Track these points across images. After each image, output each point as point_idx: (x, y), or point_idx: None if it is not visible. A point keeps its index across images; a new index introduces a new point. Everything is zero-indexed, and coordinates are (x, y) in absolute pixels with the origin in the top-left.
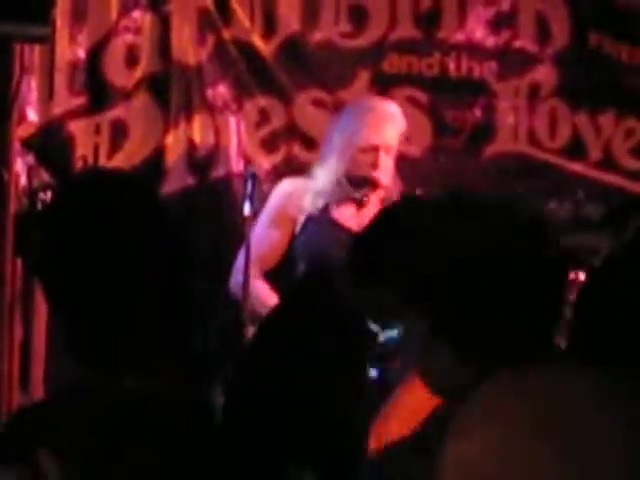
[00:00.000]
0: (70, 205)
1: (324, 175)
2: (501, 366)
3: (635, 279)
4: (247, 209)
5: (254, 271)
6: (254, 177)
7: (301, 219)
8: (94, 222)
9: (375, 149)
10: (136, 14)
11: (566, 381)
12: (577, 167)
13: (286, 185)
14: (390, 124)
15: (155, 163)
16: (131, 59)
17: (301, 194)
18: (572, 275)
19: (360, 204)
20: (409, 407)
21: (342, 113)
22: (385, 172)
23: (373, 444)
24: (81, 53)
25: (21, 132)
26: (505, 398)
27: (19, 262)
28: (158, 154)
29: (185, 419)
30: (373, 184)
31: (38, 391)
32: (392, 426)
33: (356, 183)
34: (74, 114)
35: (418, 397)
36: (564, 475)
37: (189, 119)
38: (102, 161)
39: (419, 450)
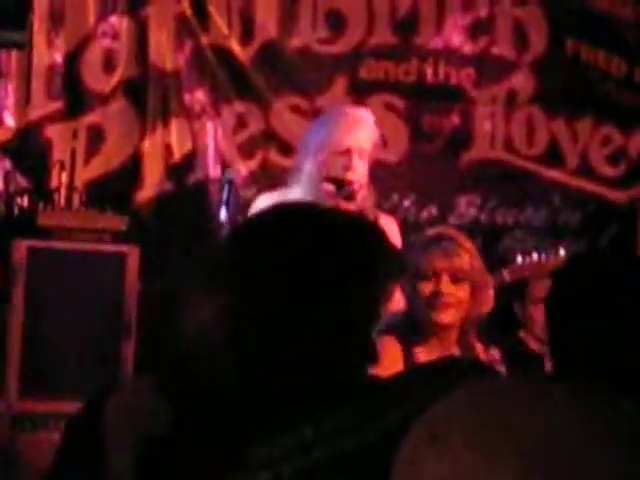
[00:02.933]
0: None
1: (301, 183)
2: None
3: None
4: (223, 215)
5: None
6: (231, 183)
7: None
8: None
9: (348, 151)
10: (113, 19)
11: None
12: (554, 174)
13: (263, 201)
14: (362, 127)
15: (132, 168)
16: (108, 64)
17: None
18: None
19: (347, 199)
20: None
21: (315, 122)
22: (358, 174)
23: None
24: (58, 58)
25: None
26: (489, 421)
27: None
28: (135, 159)
29: None
30: (348, 185)
31: (13, 395)
32: None
33: (335, 183)
34: (51, 119)
35: None
36: None
37: (166, 124)
38: (79, 166)
39: None
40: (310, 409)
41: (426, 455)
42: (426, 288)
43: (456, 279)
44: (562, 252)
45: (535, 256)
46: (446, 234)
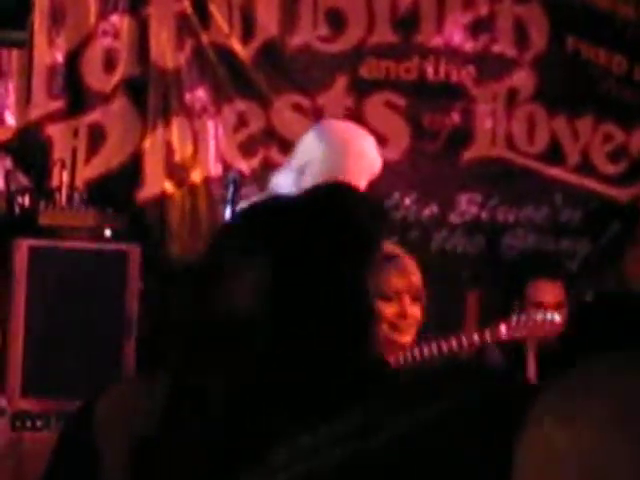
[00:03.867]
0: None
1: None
2: None
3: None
4: (228, 214)
5: None
6: (235, 182)
7: None
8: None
9: None
10: (114, 18)
11: None
12: (555, 172)
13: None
14: (367, 170)
15: (133, 167)
16: (109, 63)
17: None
18: None
19: None
20: None
21: (317, 142)
22: None
23: None
24: (59, 57)
25: None
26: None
27: None
28: (136, 158)
29: None
30: None
31: (15, 394)
32: None
33: None
34: (52, 118)
35: None
36: None
37: (167, 123)
38: (79, 165)
39: None
40: (325, 405)
41: (562, 432)
42: (388, 309)
43: (414, 298)
44: (557, 318)
45: (532, 318)
46: (390, 252)
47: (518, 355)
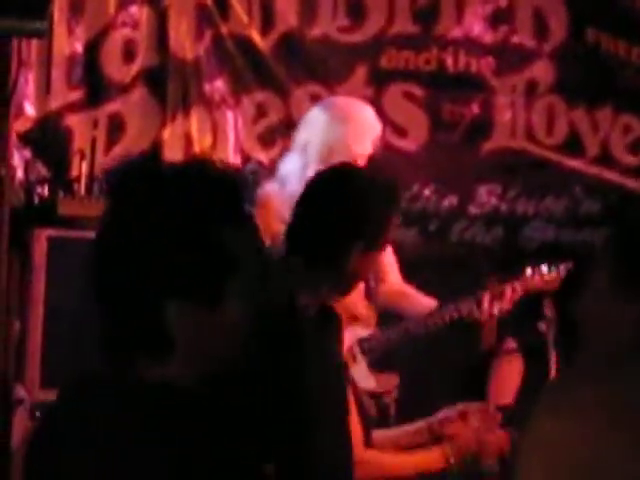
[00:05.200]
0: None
1: (299, 182)
2: None
3: None
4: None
5: None
6: (255, 172)
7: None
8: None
9: (354, 159)
10: (133, 8)
11: None
12: (574, 163)
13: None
14: (368, 135)
15: (152, 157)
16: (128, 53)
17: (278, 203)
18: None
19: None
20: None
21: (317, 118)
22: None
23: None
24: (79, 47)
25: (18, 126)
26: (592, 382)
27: (15, 255)
28: (155, 148)
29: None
30: None
31: (34, 386)
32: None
33: None
34: (71, 108)
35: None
36: None
37: (186, 114)
38: (99, 155)
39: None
40: None
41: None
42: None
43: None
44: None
45: (545, 269)
46: None
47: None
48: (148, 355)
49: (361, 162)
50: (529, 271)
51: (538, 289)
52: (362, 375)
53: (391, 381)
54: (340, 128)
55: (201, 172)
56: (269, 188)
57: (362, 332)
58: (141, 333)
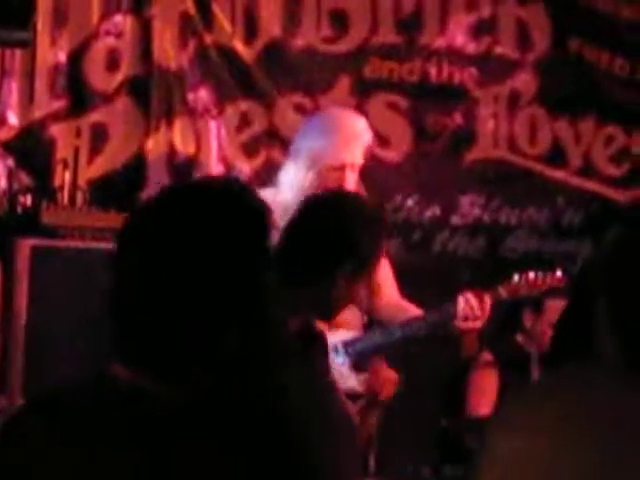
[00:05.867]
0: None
1: (291, 190)
2: None
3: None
4: None
5: None
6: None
7: (275, 235)
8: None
9: (342, 168)
10: (117, 18)
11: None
12: (557, 174)
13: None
14: (357, 143)
15: (136, 167)
16: (112, 63)
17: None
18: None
19: None
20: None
21: (309, 127)
22: (351, 187)
23: None
24: (62, 56)
25: (1, 135)
26: (550, 395)
27: None
28: (139, 158)
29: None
30: None
31: (16, 394)
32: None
33: None
34: (55, 117)
35: None
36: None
37: (170, 123)
38: (82, 164)
39: None
40: None
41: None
42: None
43: None
44: (559, 272)
45: (532, 275)
46: None
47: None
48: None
49: (351, 171)
50: (516, 277)
51: (524, 295)
52: (344, 374)
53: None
54: (330, 135)
55: (240, 201)
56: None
57: (346, 334)
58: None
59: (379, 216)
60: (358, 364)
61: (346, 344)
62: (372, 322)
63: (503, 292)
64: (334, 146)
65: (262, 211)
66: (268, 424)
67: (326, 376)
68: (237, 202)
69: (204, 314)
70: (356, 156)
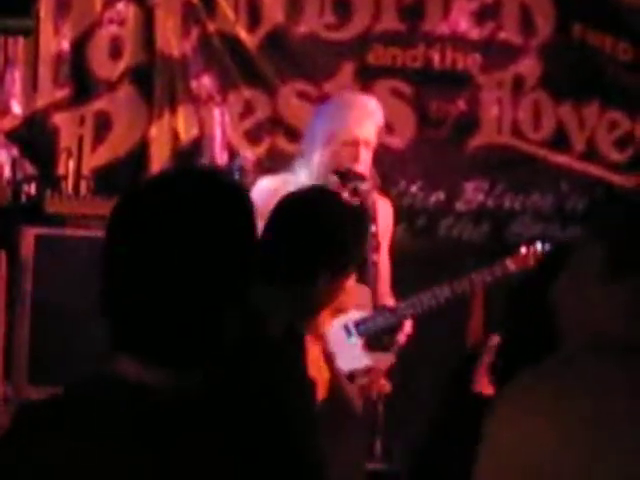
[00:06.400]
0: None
1: (306, 170)
2: None
3: None
4: None
5: None
6: (241, 169)
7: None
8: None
9: (356, 143)
10: (120, 6)
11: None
12: (561, 159)
13: (267, 182)
14: (370, 120)
15: (139, 155)
16: (115, 51)
17: (284, 191)
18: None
19: (354, 194)
20: None
21: (323, 108)
22: (365, 165)
23: None
24: (65, 45)
25: (5, 124)
26: (546, 388)
27: (2, 253)
28: (142, 146)
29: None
30: (356, 176)
31: (22, 382)
32: None
33: (341, 176)
34: (58, 106)
35: None
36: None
37: (173, 111)
38: (86, 153)
39: None
40: None
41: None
42: None
43: None
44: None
45: (539, 246)
46: None
47: None
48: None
49: (365, 148)
50: (523, 249)
51: (532, 267)
52: (355, 355)
53: (387, 360)
54: (343, 112)
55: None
56: (263, 185)
57: (357, 314)
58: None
59: (361, 215)
60: (369, 343)
61: (357, 324)
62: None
63: (511, 265)
64: (347, 122)
65: (246, 196)
66: (272, 421)
67: (306, 375)
68: (223, 187)
69: (196, 299)
70: (370, 133)
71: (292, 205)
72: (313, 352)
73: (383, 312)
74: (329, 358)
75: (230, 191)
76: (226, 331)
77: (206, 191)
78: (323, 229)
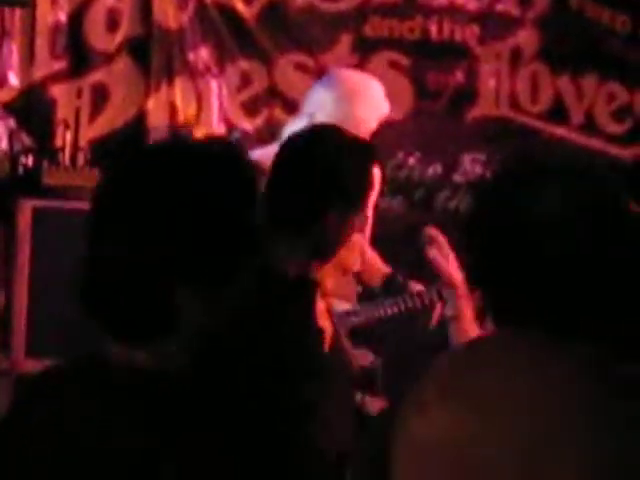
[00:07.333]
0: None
1: None
2: None
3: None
4: None
5: None
6: (239, 142)
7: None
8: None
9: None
10: None
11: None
12: (559, 131)
13: (260, 154)
14: (376, 115)
15: (137, 127)
16: (112, 23)
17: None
18: None
19: None
20: None
21: (327, 94)
22: None
23: None
24: (62, 17)
25: (2, 96)
26: (459, 375)
27: (0, 226)
28: (140, 118)
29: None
30: None
31: (19, 355)
32: None
33: None
34: (55, 78)
35: None
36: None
37: (170, 83)
38: (83, 125)
39: None
40: None
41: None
42: None
43: None
44: None
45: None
46: None
47: None
48: (143, 338)
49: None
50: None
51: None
52: None
53: (365, 358)
54: (348, 107)
55: (224, 152)
56: (259, 154)
57: (342, 306)
58: (147, 316)
59: (365, 147)
60: (352, 337)
61: (340, 317)
62: (366, 293)
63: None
64: (353, 119)
65: (248, 161)
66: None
67: (317, 322)
68: (224, 154)
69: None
70: (373, 125)
71: (292, 143)
72: (319, 307)
73: (366, 305)
74: (332, 316)
75: (227, 155)
76: (240, 284)
77: (202, 153)
78: (325, 162)
